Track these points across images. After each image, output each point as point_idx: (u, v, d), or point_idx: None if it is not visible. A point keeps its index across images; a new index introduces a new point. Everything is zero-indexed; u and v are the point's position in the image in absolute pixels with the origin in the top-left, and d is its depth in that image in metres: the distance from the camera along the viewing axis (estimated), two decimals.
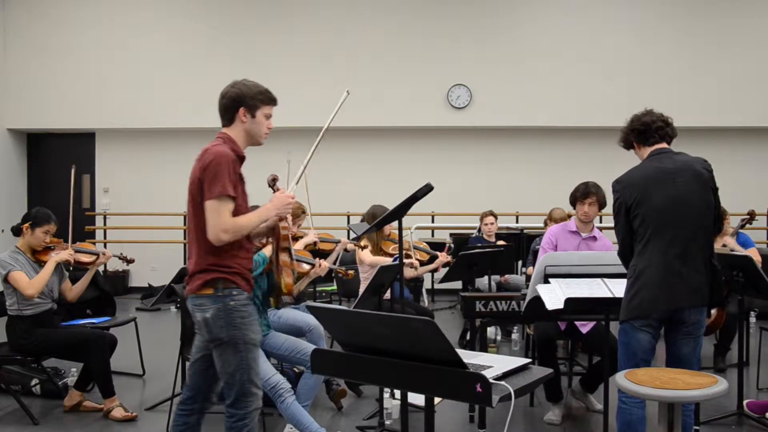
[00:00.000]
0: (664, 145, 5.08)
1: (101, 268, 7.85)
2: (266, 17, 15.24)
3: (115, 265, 14.71)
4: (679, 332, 4.95)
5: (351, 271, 7.36)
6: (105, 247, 14.63)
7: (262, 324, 6.19)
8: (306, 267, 6.74)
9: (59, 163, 16.07)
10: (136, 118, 14.86)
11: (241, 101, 4.53)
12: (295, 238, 7.58)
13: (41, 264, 7.01)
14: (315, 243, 7.50)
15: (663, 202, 4.85)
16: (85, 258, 7.42)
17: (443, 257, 8.71)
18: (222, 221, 4.26)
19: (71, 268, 7.43)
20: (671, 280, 4.79)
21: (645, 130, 5.08)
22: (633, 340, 4.92)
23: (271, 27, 15.22)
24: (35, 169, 16.32)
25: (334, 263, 7.85)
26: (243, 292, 4.44)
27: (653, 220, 4.86)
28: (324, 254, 7.78)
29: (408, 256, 8.22)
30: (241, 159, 4.52)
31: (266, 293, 6.32)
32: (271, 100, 4.66)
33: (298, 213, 7.51)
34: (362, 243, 7.92)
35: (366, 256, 7.95)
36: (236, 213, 4.37)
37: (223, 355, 4.44)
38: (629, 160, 5.15)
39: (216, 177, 4.27)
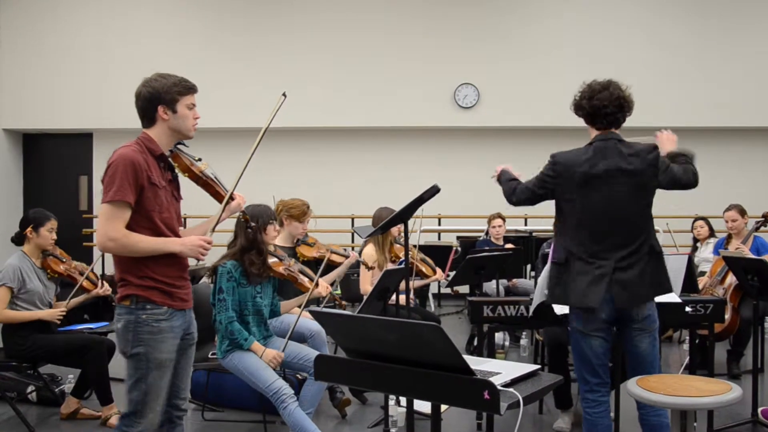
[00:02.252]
0: (612, 130, 4.98)
1: (98, 271, 7.82)
2: (267, 16, 15.24)
3: (113, 269, 14.74)
4: (632, 330, 4.93)
5: (345, 303, 7.32)
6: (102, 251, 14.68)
7: (265, 333, 6.22)
8: (307, 284, 6.66)
9: (56, 165, 16.13)
10: (135, 119, 14.45)
11: (158, 99, 4.38)
12: (308, 243, 7.56)
13: (46, 271, 7.05)
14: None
15: (599, 206, 4.82)
16: (87, 285, 7.41)
17: (439, 275, 8.69)
18: (110, 228, 4.13)
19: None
20: (601, 283, 4.78)
21: (594, 113, 4.95)
22: (585, 347, 4.91)
23: (273, 26, 15.23)
24: (31, 170, 16.35)
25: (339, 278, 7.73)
26: (160, 307, 4.28)
27: (589, 220, 4.86)
28: (334, 268, 7.70)
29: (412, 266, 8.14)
30: (161, 157, 4.39)
31: (272, 300, 6.33)
32: (189, 89, 4.45)
33: (304, 210, 7.41)
34: (369, 263, 7.86)
35: (364, 284, 7.93)
36: (147, 217, 4.24)
37: (128, 369, 4.32)
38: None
39: (112, 180, 4.18)
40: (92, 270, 7.44)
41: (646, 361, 4.91)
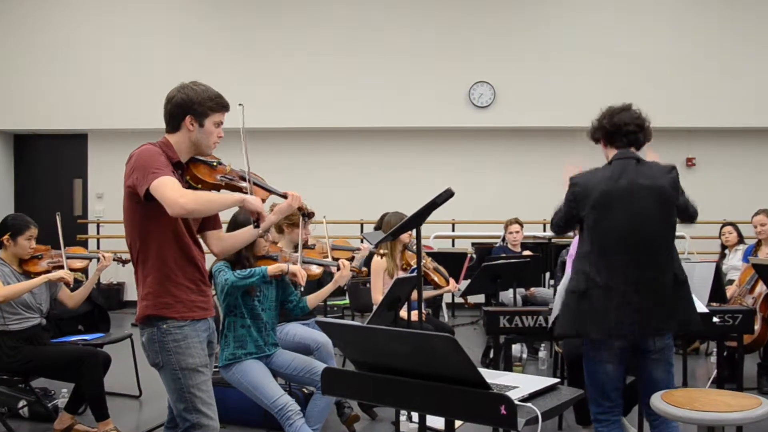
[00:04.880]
0: (631, 149, 4.99)
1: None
2: (270, 10, 15.28)
3: (108, 277, 14.75)
4: (647, 357, 4.95)
5: (365, 269, 7.29)
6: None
7: (268, 341, 6.22)
8: (316, 270, 6.66)
9: (49, 167, 16.16)
10: (132, 119, 14.88)
11: (189, 108, 4.39)
12: (308, 246, 7.54)
13: (28, 276, 7.01)
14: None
15: (621, 224, 4.80)
16: (77, 264, 7.41)
17: (452, 286, 8.59)
18: (174, 191, 4.09)
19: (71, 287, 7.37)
20: (624, 309, 4.76)
21: (615, 131, 4.98)
22: (599, 371, 4.94)
23: (276, 21, 15.25)
24: (23, 173, 16.38)
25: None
26: (177, 321, 4.38)
27: (610, 240, 4.83)
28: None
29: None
30: (177, 165, 4.41)
31: (275, 306, 6.32)
32: (222, 107, 4.49)
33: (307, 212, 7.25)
34: (381, 250, 7.86)
35: (376, 286, 7.92)
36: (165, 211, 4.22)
37: (165, 382, 4.46)
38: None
39: (145, 167, 4.16)
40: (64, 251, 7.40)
41: (661, 388, 4.91)
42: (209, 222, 4.69)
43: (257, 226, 4.59)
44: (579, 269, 4.98)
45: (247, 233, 4.91)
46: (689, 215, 5.10)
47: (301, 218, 5.68)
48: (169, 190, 4.08)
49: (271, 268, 5.91)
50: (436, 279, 8.39)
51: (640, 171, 4.88)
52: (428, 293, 8.71)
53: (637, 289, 4.76)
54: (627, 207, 4.80)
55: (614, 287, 4.78)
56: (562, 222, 5.16)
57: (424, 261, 8.21)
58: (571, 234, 6.20)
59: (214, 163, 4.57)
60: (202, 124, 4.41)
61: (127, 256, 7.62)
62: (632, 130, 4.95)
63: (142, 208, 4.26)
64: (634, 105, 5.11)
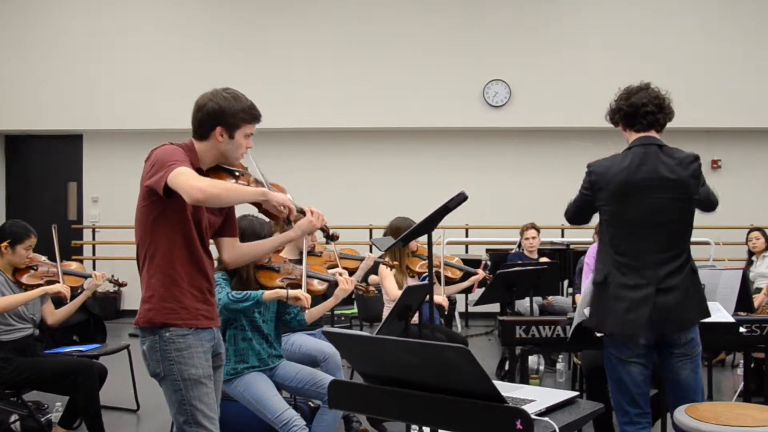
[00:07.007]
0: (651, 133, 5.00)
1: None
2: (275, 6, 15.29)
3: (105, 285, 14.73)
4: (673, 355, 4.95)
5: (372, 288, 7.30)
6: (94, 265, 14.66)
7: (271, 353, 6.21)
8: (319, 286, 6.64)
9: (42, 169, 16.14)
10: (130, 119, 14.87)
11: (220, 118, 4.38)
12: (315, 253, 7.54)
13: (20, 285, 7.02)
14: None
15: (640, 215, 4.85)
16: (72, 281, 7.41)
17: (480, 274, 8.56)
18: (192, 175, 4.06)
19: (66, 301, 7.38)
20: (645, 303, 4.78)
21: (633, 113, 5.00)
22: (624, 374, 4.93)
23: (283, 16, 15.23)
24: (15, 176, 16.39)
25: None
26: (180, 328, 4.35)
27: (629, 232, 4.89)
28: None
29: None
30: (198, 172, 4.31)
31: (277, 317, 6.32)
32: (254, 119, 4.50)
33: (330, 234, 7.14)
34: (390, 261, 7.83)
35: (390, 286, 7.88)
36: (180, 209, 4.24)
37: (165, 393, 4.43)
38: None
39: (163, 160, 4.14)
40: (61, 265, 7.41)
41: (689, 390, 4.91)
42: (226, 228, 4.68)
43: (288, 222, 4.57)
44: (599, 259, 5.04)
45: (264, 245, 4.87)
46: (711, 204, 5.18)
47: (325, 239, 5.58)
48: (185, 177, 4.03)
49: (267, 294, 5.88)
50: (450, 275, 8.32)
51: (662, 160, 4.90)
52: (457, 287, 8.63)
53: (659, 281, 4.80)
54: (645, 199, 4.84)
55: (634, 280, 4.81)
56: (575, 210, 5.25)
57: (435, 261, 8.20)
58: (590, 239, 6.21)
59: (237, 173, 4.54)
60: (233, 135, 4.40)
61: (123, 278, 7.67)
62: (651, 111, 4.96)
63: (156, 210, 4.27)
64: (652, 84, 5.12)
